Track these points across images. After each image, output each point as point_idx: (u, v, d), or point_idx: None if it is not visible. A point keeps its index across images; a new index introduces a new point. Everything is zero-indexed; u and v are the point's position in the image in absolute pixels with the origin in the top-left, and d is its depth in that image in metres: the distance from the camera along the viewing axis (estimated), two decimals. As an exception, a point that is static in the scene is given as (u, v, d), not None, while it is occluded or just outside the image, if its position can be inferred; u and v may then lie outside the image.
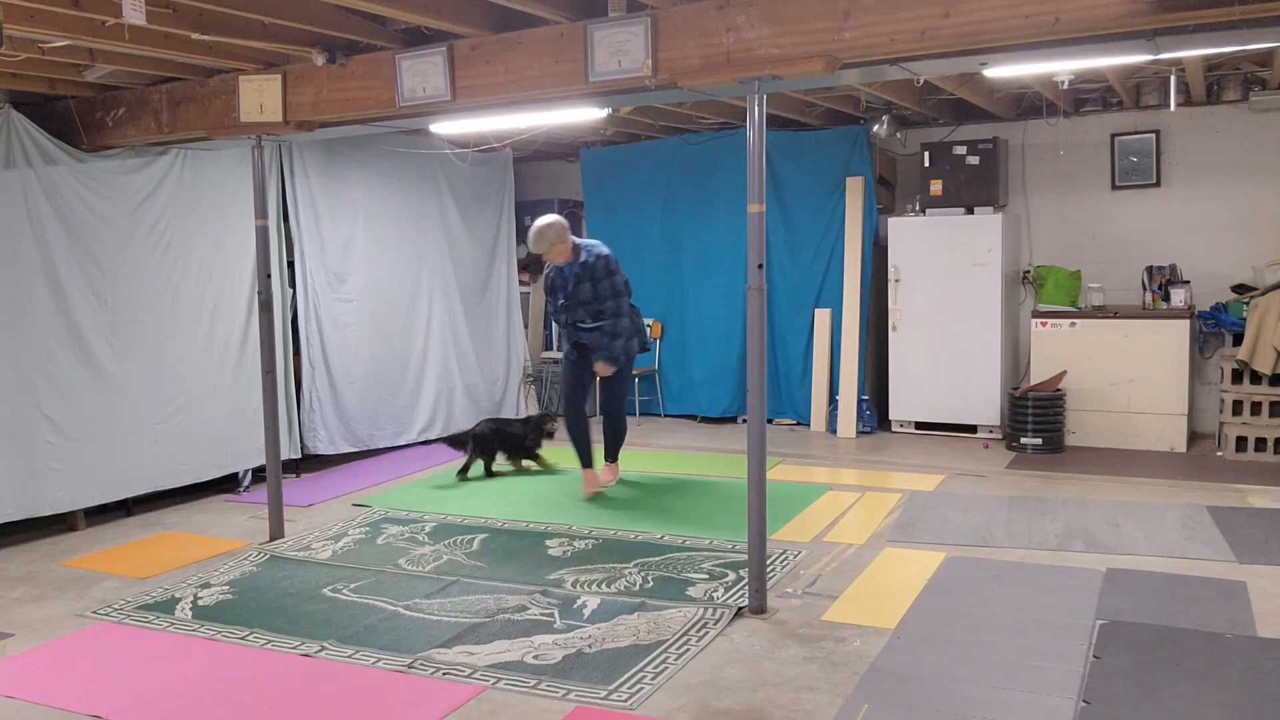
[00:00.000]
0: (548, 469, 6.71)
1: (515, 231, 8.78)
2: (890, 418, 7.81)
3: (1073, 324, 7.17)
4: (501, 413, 8.58)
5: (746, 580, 4.17)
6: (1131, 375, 6.96)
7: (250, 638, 3.95)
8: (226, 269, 6.38)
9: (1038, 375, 7.24)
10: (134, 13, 3.87)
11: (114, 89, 5.57)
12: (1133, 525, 5.12)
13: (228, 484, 6.44)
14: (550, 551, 4.94)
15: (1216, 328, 6.97)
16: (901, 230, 7.64)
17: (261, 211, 5.33)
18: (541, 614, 4.07)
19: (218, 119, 5.29)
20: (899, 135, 7.83)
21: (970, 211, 7.44)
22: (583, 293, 5.85)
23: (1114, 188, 7.58)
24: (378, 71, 4.83)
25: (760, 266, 3.97)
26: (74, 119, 5.70)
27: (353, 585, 4.53)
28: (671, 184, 8.54)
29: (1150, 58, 4.03)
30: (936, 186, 7.48)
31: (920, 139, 7.92)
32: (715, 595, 4.25)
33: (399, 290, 7.59)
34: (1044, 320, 7.28)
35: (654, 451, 7.33)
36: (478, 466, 6.62)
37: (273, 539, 5.30)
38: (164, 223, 6.06)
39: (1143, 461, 6.60)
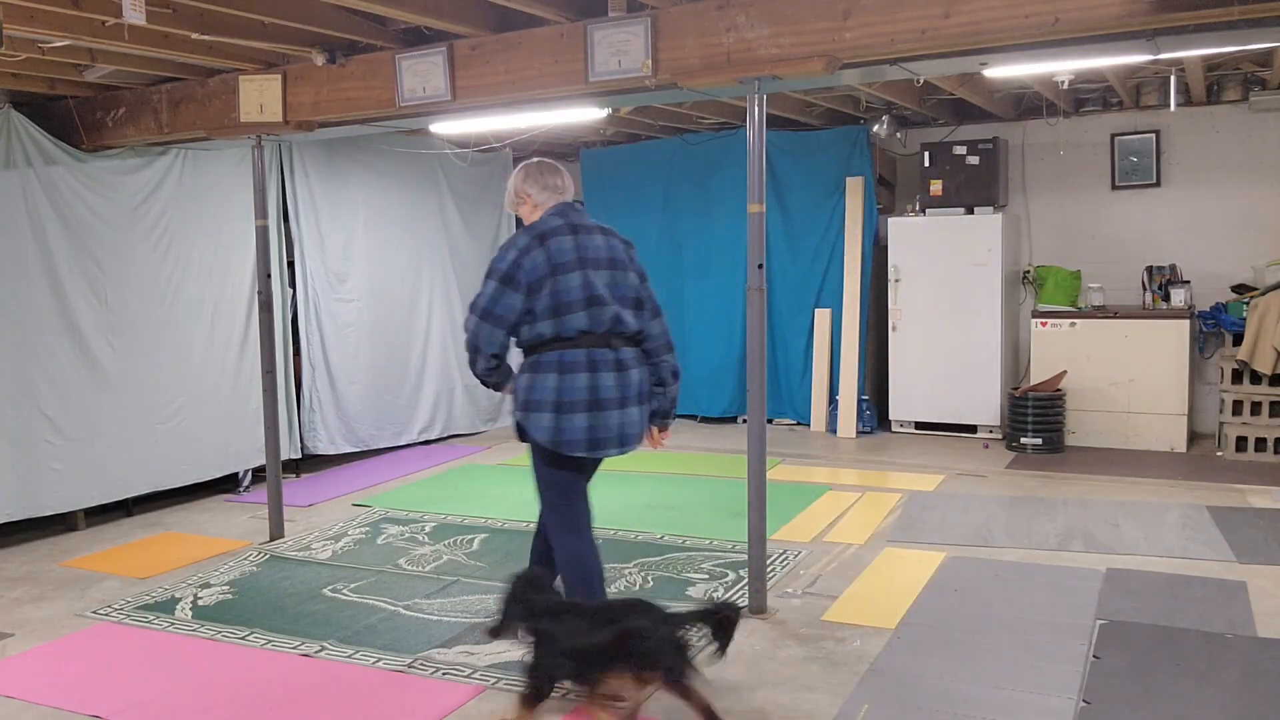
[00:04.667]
0: None
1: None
2: (890, 418, 7.81)
3: (1073, 324, 7.17)
4: (501, 413, 8.53)
5: (746, 580, 4.17)
6: (1131, 375, 6.96)
7: (250, 638, 3.95)
8: (226, 269, 6.38)
9: (1038, 375, 7.24)
10: (134, 13, 3.87)
11: (114, 89, 5.57)
12: (1133, 525, 5.11)
13: (228, 484, 6.44)
14: (550, 551, 4.94)
15: (1216, 328, 6.97)
16: (901, 230, 7.64)
17: (261, 211, 5.33)
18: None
19: (218, 119, 5.29)
20: (899, 135, 7.83)
21: (970, 211, 7.44)
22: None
23: (1114, 188, 7.58)
24: (378, 71, 4.83)
25: (760, 266, 3.97)
26: (74, 119, 5.70)
27: (353, 585, 4.53)
28: (671, 184, 8.54)
29: (1150, 58, 4.03)
30: (936, 186, 7.48)
31: (920, 139, 7.92)
32: (715, 595, 4.25)
33: (399, 290, 7.59)
34: (1044, 320, 7.28)
35: (653, 451, 7.32)
36: None
37: (273, 539, 5.30)
38: (164, 223, 6.06)
39: (1143, 461, 6.60)
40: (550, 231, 3.42)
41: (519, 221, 3.68)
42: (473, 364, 3.44)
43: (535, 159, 3.65)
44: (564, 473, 3.44)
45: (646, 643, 2.92)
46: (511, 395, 3.45)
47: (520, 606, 3.07)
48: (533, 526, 3.72)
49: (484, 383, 3.50)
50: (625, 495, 6.04)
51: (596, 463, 3.56)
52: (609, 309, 3.38)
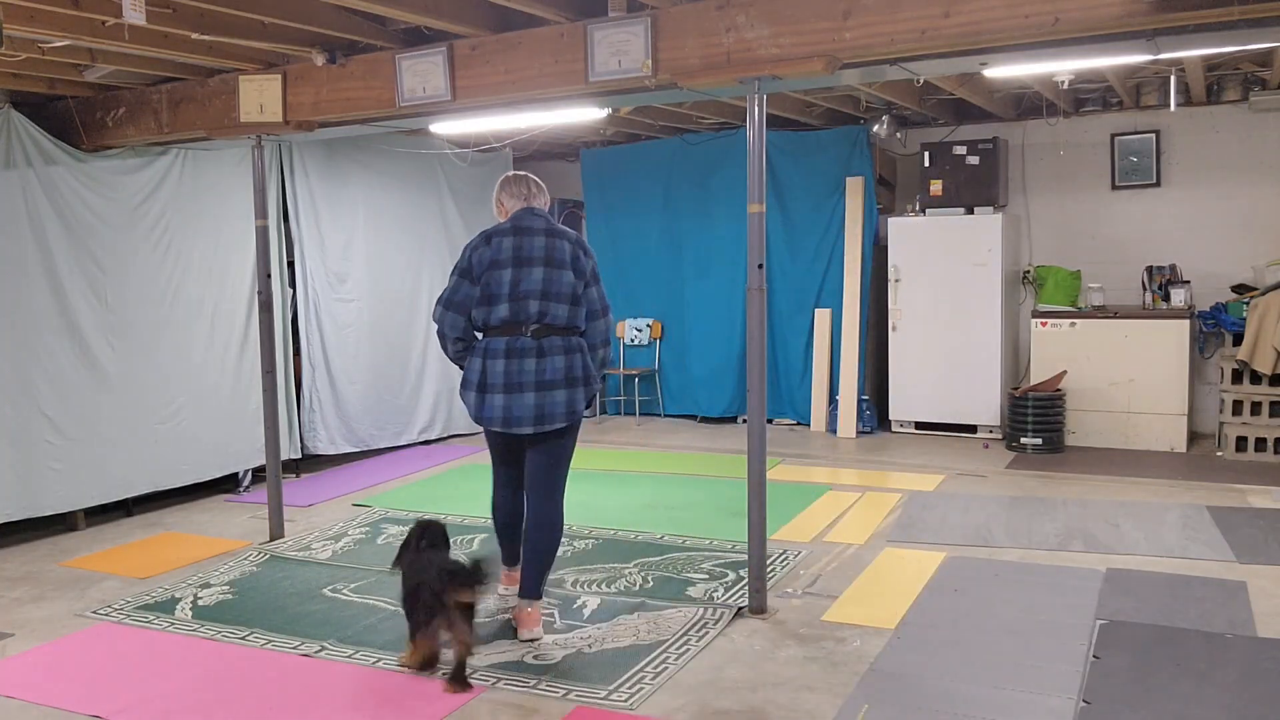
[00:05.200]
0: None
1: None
2: (890, 418, 7.81)
3: (1073, 324, 7.17)
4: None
5: (746, 580, 4.17)
6: (1131, 375, 6.96)
7: (250, 638, 3.95)
8: (226, 269, 6.38)
9: (1038, 375, 7.24)
10: (134, 13, 3.87)
11: (114, 89, 5.57)
12: (1133, 525, 5.11)
13: (228, 484, 6.44)
14: (550, 551, 4.94)
15: (1216, 328, 6.97)
16: (901, 230, 7.64)
17: (261, 211, 5.33)
18: (541, 614, 4.07)
19: (218, 119, 5.29)
20: (899, 135, 7.83)
21: (970, 211, 7.44)
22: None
23: (1114, 188, 7.58)
24: (378, 71, 4.83)
25: (760, 266, 3.97)
26: (74, 119, 5.70)
27: (353, 585, 4.53)
28: (671, 184, 8.54)
29: (1150, 58, 4.03)
30: (936, 186, 7.48)
31: (920, 139, 7.92)
32: (715, 595, 4.25)
33: (399, 290, 7.59)
34: (1044, 320, 7.28)
35: (654, 451, 7.34)
36: None
37: (273, 539, 5.31)
38: (164, 223, 6.06)
39: (1143, 461, 6.60)
40: (496, 232, 3.94)
41: None
42: (444, 349, 3.96)
43: (512, 172, 4.15)
44: (492, 441, 4.04)
45: (425, 596, 3.44)
46: None
47: (404, 548, 3.69)
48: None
49: (457, 364, 3.96)
50: (625, 495, 6.04)
51: (529, 439, 3.88)
52: (533, 303, 3.80)
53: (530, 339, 3.78)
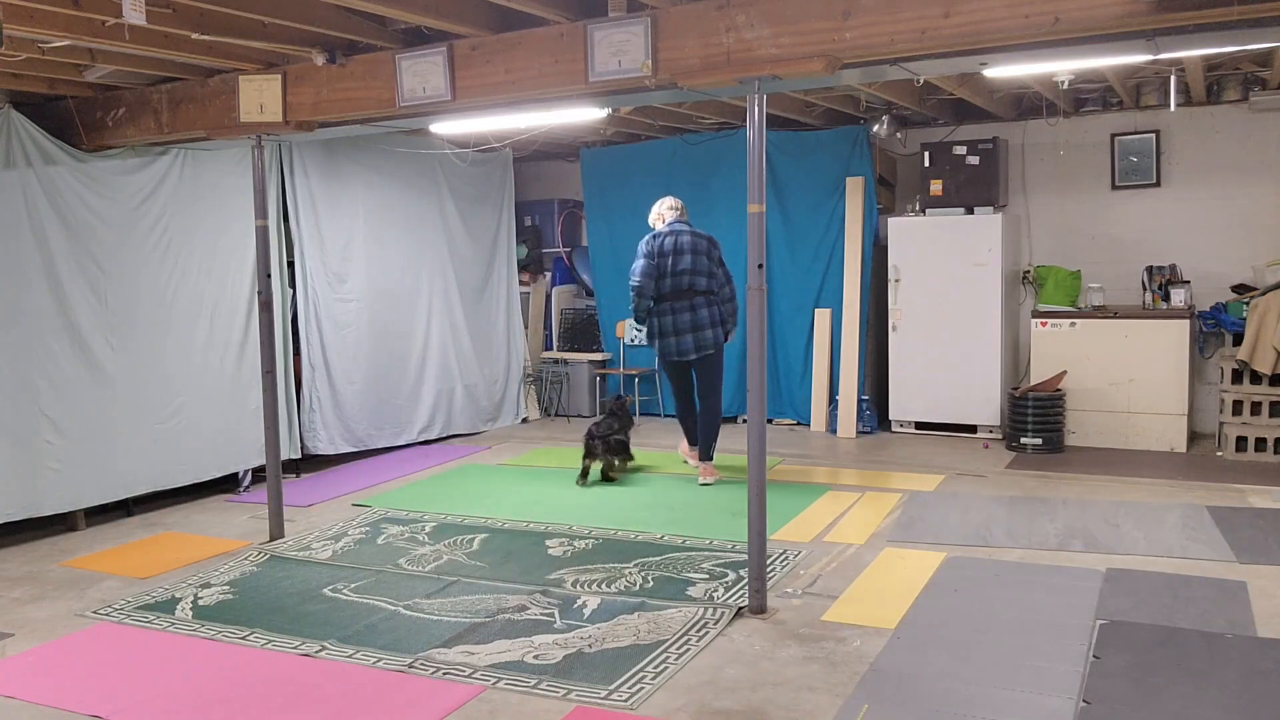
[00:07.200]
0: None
1: (515, 231, 8.78)
2: (890, 418, 7.81)
3: (1073, 324, 7.17)
4: (501, 413, 8.59)
5: (746, 580, 4.17)
6: (1131, 375, 6.96)
7: (250, 638, 3.95)
8: (226, 269, 6.38)
9: (1038, 375, 7.24)
10: (134, 13, 3.87)
11: (114, 89, 5.57)
12: (1133, 525, 5.12)
13: (228, 484, 6.45)
14: (550, 551, 4.95)
15: (1216, 328, 6.97)
16: (901, 230, 7.64)
17: (261, 211, 5.33)
18: (542, 614, 4.08)
19: (218, 119, 5.29)
20: (899, 135, 7.83)
21: (970, 211, 7.43)
22: None
23: (1114, 188, 7.58)
24: (378, 71, 4.83)
25: (760, 266, 3.97)
26: (74, 119, 5.70)
27: (353, 585, 4.53)
28: (671, 184, 8.50)
29: (1150, 58, 4.03)
30: (936, 186, 7.48)
31: (920, 139, 7.92)
32: (715, 595, 4.25)
33: (399, 290, 7.59)
34: (1044, 320, 7.28)
35: (654, 451, 7.33)
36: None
37: (273, 539, 5.31)
38: (164, 223, 6.06)
39: (1143, 461, 6.60)
40: (660, 234, 6.20)
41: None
42: (636, 309, 6.18)
43: (671, 198, 6.40)
44: (670, 370, 6.38)
45: (604, 437, 6.33)
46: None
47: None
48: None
49: (639, 320, 6.30)
50: (625, 495, 6.04)
51: (693, 363, 6.23)
52: (685, 276, 6.08)
53: (687, 300, 6.05)
